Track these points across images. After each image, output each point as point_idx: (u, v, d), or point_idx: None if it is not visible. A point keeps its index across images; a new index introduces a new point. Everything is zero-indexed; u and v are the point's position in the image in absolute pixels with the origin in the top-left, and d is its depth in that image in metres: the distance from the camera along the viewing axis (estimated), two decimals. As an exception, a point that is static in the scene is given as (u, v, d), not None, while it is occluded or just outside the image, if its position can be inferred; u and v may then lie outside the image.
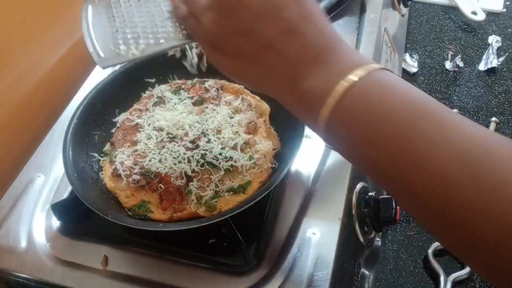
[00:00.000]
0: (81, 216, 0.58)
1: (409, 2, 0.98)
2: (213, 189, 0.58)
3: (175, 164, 0.60)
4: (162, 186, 0.59)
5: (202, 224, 0.51)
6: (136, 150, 0.62)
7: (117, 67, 0.69)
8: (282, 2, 0.36)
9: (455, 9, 1.10)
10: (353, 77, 0.33)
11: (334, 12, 0.81)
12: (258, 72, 0.37)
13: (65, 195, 0.62)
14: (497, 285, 0.30)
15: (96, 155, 0.64)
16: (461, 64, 0.99)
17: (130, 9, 0.45)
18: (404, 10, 0.99)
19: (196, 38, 0.41)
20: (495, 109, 0.92)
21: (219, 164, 0.59)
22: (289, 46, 0.36)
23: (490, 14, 1.09)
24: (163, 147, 0.62)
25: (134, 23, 0.44)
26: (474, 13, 1.06)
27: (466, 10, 1.07)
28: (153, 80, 0.72)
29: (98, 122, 0.66)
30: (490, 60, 0.98)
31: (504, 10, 1.11)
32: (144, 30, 0.43)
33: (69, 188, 0.62)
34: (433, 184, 0.30)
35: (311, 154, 0.64)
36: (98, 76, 0.77)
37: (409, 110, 0.32)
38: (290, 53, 0.36)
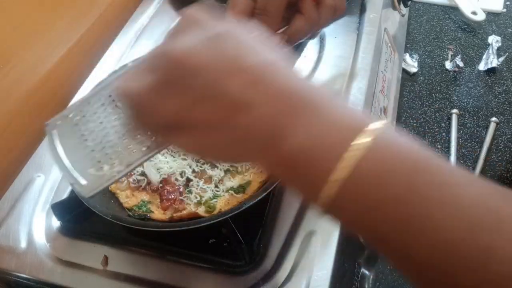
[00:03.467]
0: (81, 216, 0.58)
1: (409, 2, 0.98)
2: (213, 189, 0.58)
3: (175, 164, 0.60)
4: (162, 186, 0.59)
5: (202, 224, 0.52)
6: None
7: (117, 67, 0.69)
8: (238, 52, 0.31)
9: (455, 9, 1.10)
10: (363, 140, 0.28)
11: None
12: (230, 140, 0.32)
13: (65, 195, 0.62)
14: None
15: (96, 155, 0.64)
16: (461, 64, 0.99)
17: (100, 121, 0.39)
18: (404, 10, 0.99)
19: (154, 132, 0.36)
20: (495, 109, 0.92)
21: (219, 164, 0.59)
22: (260, 99, 0.30)
23: (490, 14, 1.09)
24: (163, 147, 0.62)
25: (108, 136, 0.38)
26: (474, 13, 1.06)
27: (466, 10, 1.07)
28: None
29: (98, 122, 0.66)
30: (490, 60, 0.98)
31: (504, 10, 1.11)
32: (122, 141, 0.38)
33: (69, 188, 0.62)
34: (439, 252, 0.27)
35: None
36: (98, 76, 0.77)
37: (411, 172, 0.28)
38: (263, 106, 0.30)
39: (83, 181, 0.37)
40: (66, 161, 0.38)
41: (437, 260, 0.27)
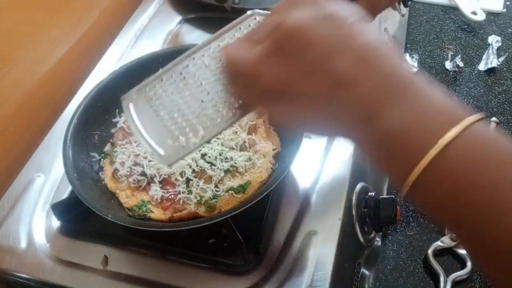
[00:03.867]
0: (81, 216, 0.58)
1: (409, 2, 0.98)
2: (213, 189, 0.58)
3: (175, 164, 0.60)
4: (162, 186, 0.59)
5: (202, 224, 0.51)
6: (136, 151, 0.62)
7: (117, 67, 0.69)
8: (349, 32, 0.33)
9: (455, 9, 1.10)
10: (460, 127, 0.30)
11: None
12: (329, 113, 0.33)
13: (65, 195, 0.62)
14: None
15: (96, 155, 0.64)
16: (461, 64, 0.99)
17: (173, 96, 0.41)
18: (404, 10, 0.98)
19: (254, 98, 0.37)
20: (495, 109, 0.91)
21: (219, 164, 0.59)
22: (366, 78, 0.32)
23: (490, 14, 1.09)
24: (163, 147, 0.62)
25: (182, 110, 0.41)
26: (474, 13, 1.06)
27: (466, 10, 1.07)
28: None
29: (98, 122, 0.66)
30: (490, 60, 0.98)
31: (504, 10, 1.11)
32: (196, 115, 0.41)
33: (69, 188, 0.62)
34: None
35: (311, 154, 0.64)
36: (98, 76, 0.77)
37: (505, 162, 0.30)
38: (367, 86, 0.32)
39: (162, 152, 0.40)
40: (145, 133, 0.41)
41: None
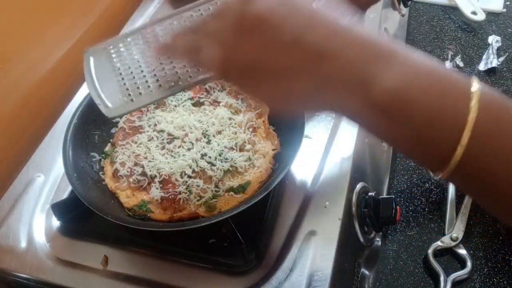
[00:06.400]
0: (81, 216, 0.58)
1: (409, 2, 0.98)
2: (213, 189, 0.58)
3: (175, 164, 0.60)
4: (163, 186, 0.59)
5: (202, 224, 0.52)
6: (137, 151, 0.62)
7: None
8: (311, 11, 0.34)
9: (455, 9, 1.10)
10: (475, 92, 0.30)
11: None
12: (313, 87, 0.34)
13: (65, 195, 0.62)
14: None
15: (96, 155, 0.64)
16: (461, 64, 0.99)
17: (133, 56, 0.44)
18: (404, 10, 0.98)
19: (218, 69, 0.37)
20: (495, 109, 0.91)
21: (219, 164, 0.59)
22: (344, 48, 0.32)
23: (490, 14, 1.09)
24: (164, 147, 0.62)
25: (139, 69, 0.43)
26: (474, 13, 1.06)
27: (466, 10, 1.07)
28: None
29: (98, 122, 0.66)
30: (490, 60, 0.98)
31: (504, 10, 1.11)
32: (151, 75, 0.42)
33: (69, 188, 0.62)
34: None
35: (311, 154, 0.64)
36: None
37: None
38: (348, 55, 0.32)
39: (110, 104, 0.42)
40: (97, 85, 0.43)
41: None
